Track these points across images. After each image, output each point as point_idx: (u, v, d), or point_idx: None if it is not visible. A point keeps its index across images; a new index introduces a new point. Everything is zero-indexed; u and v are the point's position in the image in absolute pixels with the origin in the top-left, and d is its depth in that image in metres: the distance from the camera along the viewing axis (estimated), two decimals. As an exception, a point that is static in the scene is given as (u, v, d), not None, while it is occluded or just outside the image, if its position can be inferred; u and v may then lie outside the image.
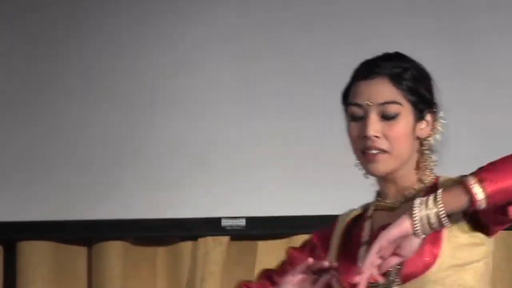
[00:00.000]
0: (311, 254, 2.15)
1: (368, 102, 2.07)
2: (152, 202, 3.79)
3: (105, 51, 3.88)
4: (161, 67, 3.84)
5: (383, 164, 2.09)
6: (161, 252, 3.92)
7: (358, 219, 2.21)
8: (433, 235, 1.98)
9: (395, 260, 1.94)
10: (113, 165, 3.83)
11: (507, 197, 1.92)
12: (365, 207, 2.20)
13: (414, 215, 1.91)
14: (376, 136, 2.04)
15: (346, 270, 2.10)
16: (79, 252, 3.92)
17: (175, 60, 3.90)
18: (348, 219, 2.24)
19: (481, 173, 1.89)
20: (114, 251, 3.85)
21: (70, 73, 3.84)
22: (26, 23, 3.91)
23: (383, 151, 2.06)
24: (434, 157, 2.12)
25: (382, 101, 2.05)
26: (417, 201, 1.91)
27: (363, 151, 2.06)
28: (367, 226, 2.17)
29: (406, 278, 2.02)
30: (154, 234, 3.88)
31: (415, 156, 2.11)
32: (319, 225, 3.63)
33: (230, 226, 3.82)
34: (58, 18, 3.89)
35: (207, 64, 3.94)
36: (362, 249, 2.11)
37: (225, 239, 3.81)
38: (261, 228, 3.84)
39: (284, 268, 2.21)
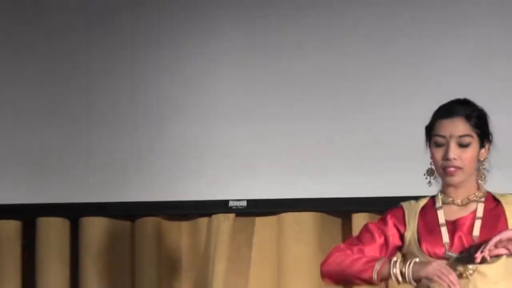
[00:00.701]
0: (385, 227, 2.99)
1: (451, 134, 2.81)
2: (178, 188, 4.57)
3: (145, 77, 4.65)
4: (189, 85, 4.62)
5: (458, 177, 2.84)
6: (184, 225, 4.67)
7: (426, 208, 3.00)
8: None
9: (503, 251, 2.74)
10: (151, 163, 4.58)
11: None
12: (430, 199, 3.02)
13: None
14: (454, 158, 2.81)
15: (429, 242, 2.91)
16: (125, 226, 4.70)
17: (196, 78, 4.63)
18: (418, 207, 3.01)
19: None
20: (150, 225, 4.62)
21: (122, 91, 4.63)
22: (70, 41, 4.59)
23: (459, 168, 2.83)
24: (486, 176, 2.96)
25: (460, 134, 2.80)
26: None
27: (444, 168, 2.84)
28: (440, 214, 2.94)
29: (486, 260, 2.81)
30: (180, 212, 4.65)
31: (475, 172, 2.89)
32: (301, 205, 4.35)
33: (235, 206, 4.58)
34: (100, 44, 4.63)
35: (218, 83, 4.67)
36: (443, 229, 2.90)
37: (232, 215, 4.57)
38: (258, 207, 4.60)
39: (365, 237, 3.02)
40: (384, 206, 3.74)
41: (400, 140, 4.62)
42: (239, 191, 4.61)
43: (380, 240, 3.07)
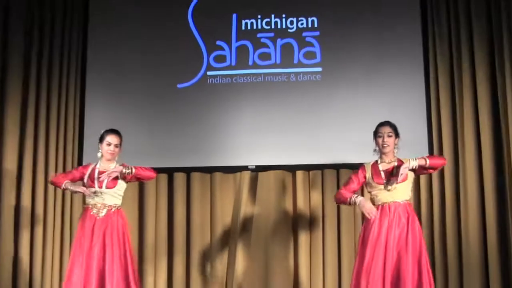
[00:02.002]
0: (358, 176, 5.93)
1: (384, 132, 5.89)
2: (227, 160, 7.52)
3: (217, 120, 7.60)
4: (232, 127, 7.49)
5: (387, 149, 5.86)
6: (230, 176, 7.68)
7: (374, 165, 5.86)
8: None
9: (402, 178, 5.72)
10: (217, 150, 7.51)
11: (429, 168, 5.75)
12: (375, 162, 5.87)
13: (412, 163, 5.69)
14: (386, 141, 5.87)
15: (376, 177, 5.84)
16: (206, 177, 7.64)
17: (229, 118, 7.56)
18: (370, 165, 5.88)
19: (429, 158, 5.75)
20: (218, 176, 7.59)
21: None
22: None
23: (388, 146, 5.84)
24: (398, 150, 5.91)
25: (388, 131, 5.89)
26: (411, 160, 5.68)
27: (382, 145, 5.86)
28: (380, 168, 5.87)
29: (400, 181, 5.70)
30: (227, 170, 7.62)
31: (393, 149, 5.85)
32: (276, 168, 7.60)
33: (250, 168, 7.55)
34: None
35: (240, 118, 7.55)
36: (382, 172, 5.84)
37: (248, 172, 7.58)
38: (260, 169, 7.54)
39: (349, 181, 5.95)
40: (310, 169, 7.51)
41: (326, 138, 7.50)
42: (252, 161, 7.51)
43: (356, 181, 5.84)
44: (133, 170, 6.26)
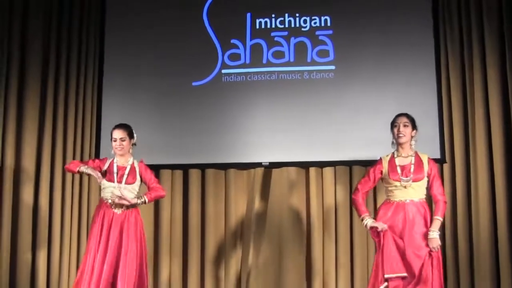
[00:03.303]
0: (374, 171, 5.82)
1: (400, 122, 5.86)
2: (242, 157, 7.60)
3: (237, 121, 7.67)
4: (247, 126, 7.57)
5: (403, 139, 5.79)
6: (244, 172, 7.76)
7: (390, 159, 5.76)
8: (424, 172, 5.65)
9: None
10: (234, 149, 7.59)
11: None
12: (391, 154, 5.81)
13: (436, 234, 5.51)
14: (402, 131, 5.81)
15: (393, 174, 5.76)
16: (221, 172, 7.75)
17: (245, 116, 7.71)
18: (388, 158, 5.80)
19: (441, 215, 5.63)
20: (232, 172, 7.70)
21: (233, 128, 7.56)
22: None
23: (404, 136, 5.79)
24: (415, 143, 5.83)
25: (404, 121, 5.86)
26: (435, 232, 5.55)
27: (397, 135, 5.81)
28: (397, 162, 5.78)
29: (415, 180, 5.69)
30: (243, 166, 7.69)
31: (410, 141, 5.79)
32: (290, 164, 7.65)
33: (264, 164, 7.62)
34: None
35: (255, 117, 7.66)
36: (398, 168, 5.74)
37: (262, 169, 7.71)
38: (273, 165, 7.61)
39: (368, 180, 5.85)
40: (323, 166, 7.55)
41: (339, 135, 7.56)
42: (266, 157, 7.64)
43: (372, 178, 5.75)
44: (146, 200, 6.38)
